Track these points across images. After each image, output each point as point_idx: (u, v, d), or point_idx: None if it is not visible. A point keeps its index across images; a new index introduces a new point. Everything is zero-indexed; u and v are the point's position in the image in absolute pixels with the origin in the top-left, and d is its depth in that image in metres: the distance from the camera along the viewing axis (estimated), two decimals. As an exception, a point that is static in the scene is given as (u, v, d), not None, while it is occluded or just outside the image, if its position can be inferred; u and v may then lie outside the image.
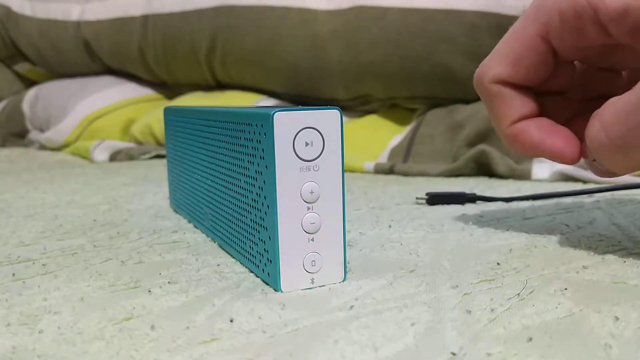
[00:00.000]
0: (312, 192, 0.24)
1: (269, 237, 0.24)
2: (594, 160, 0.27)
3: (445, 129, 0.65)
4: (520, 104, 0.30)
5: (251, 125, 0.24)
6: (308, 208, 0.24)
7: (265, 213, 0.24)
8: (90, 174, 0.63)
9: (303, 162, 0.23)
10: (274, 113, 0.23)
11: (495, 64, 0.31)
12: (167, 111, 0.41)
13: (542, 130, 0.30)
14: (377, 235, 0.33)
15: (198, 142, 0.33)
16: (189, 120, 0.35)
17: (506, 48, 0.30)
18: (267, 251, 0.24)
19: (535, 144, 0.30)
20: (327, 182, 0.24)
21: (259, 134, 0.24)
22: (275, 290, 0.24)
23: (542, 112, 0.31)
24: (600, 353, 0.18)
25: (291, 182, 0.23)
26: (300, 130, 0.23)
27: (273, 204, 0.23)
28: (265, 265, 0.25)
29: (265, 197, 0.24)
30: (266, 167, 0.23)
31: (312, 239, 0.24)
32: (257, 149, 0.24)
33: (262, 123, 0.23)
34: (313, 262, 0.24)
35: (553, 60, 0.30)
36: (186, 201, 0.37)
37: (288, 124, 0.23)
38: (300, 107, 0.23)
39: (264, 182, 0.24)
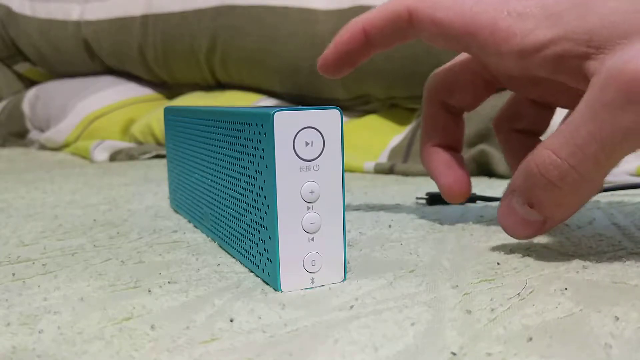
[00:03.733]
0: (312, 192, 0.24)
1: (269, 237, 0.24)
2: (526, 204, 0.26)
3: (445, 129, 0.65)
4: (444, 132, 0.34)
5: (251, 125, 0.24)
6: (308, 208, 0.24)
7: (265, 213, 0.24)
8: (90, 174, 0.63)
9: (303, 161, 0.23)
10: (274, 113, 0.23)
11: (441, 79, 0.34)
12: (167, 111, 0.41)
13: (442, 163, 0.34)
14: (377, 235, 0.33)
15: (198, 142, 0.33)
16: (189, 120, 0.35)
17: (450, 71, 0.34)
18: (267, 251, 0.24)
19: (431, 172, 0.35)
20: (327, 181, 0.24)
21: (259, 133, 0.24)
22: (275, 290, 0.24)
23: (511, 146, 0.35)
24: (600, 353, 0.18)
25: (291, 181, 0.23)
26: (300, 130, 0.23)
27: (273, 204, 0.23)
28: (265, 265, 0.25)
29: (265, 197, 0.24)
30: (266, 166, 0.23)
31: (312, 239, 0.24)
32: (257, 149, 0.24)
33: (262, 123, 0.23)
34: (313, 262, 0.24)
35: (485, 86, 0.33)
36: (186, 201, 0.37)
37: (288, 123, 0.23)
38: (300, 107, 0.23)
39: (264, 182, 0.24)
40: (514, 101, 0.35)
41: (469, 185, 0.34)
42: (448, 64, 0.34)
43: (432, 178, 0.35)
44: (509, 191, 0.27)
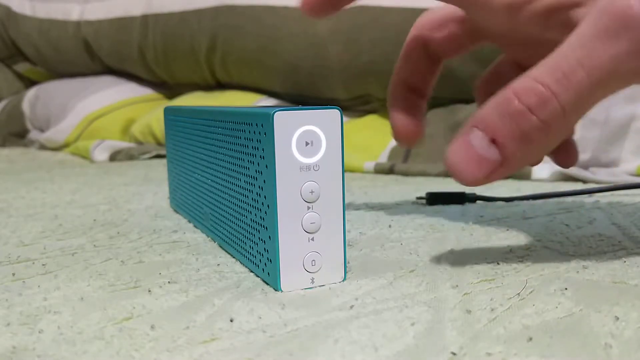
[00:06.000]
0: (312, 192, 0.24)
1: (269, 237, 0.24)
2: (493, 141, 0.24)
3: (445, 129, 0.65)
4: (416, 68, 0.34)
5: (251, 125, 0.24)
6: (308, 208, 0.24)
7: (265, 213, 0.24)
8: (90, 174, 0.63)
9: (303, 161, 0.23)
10: (274, 113, 0.23)
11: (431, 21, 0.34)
12: (167, 111, 0.41)
13: (402, 103, 0.33)
14: (377, 235, 0.33)
15: (198, 142, 0.33)
16: (189, 120, 0.35)
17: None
18: (267, 251, 0.24)
19: (389, 109, 0.34)
20: (327, 181, 0.24)
21: (259, 133, 0.24)
22: (275, 290, 0.24)
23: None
24: (600, 353, 0.18)
25: (291, 181, 0.23)
26: (300, 130, 0.23)
27: (273, 204, 0.23)
28: (265, 264, 0.25)
29: (265, 197, 0.24)
30: (266, 166, 0.23)
31: (312, 239, 0.24)
32: (257, 149, 0.24)
33: (262, 123, 0.23)
34: (313, 262, 0.24)
35: (470, 34, 0.32)
36: (186, 201, 0.37)
37: (288, 123, 0.23)
38: (300, 106, 0.23)
39: (264, 182, 0.24)
40: (498, 64, 0.35)
41: (419, 133, 0.33)
42: (442, 9, 0.33)
43: (389, 115, 0.34)
44: (468, 127, 0.24)
